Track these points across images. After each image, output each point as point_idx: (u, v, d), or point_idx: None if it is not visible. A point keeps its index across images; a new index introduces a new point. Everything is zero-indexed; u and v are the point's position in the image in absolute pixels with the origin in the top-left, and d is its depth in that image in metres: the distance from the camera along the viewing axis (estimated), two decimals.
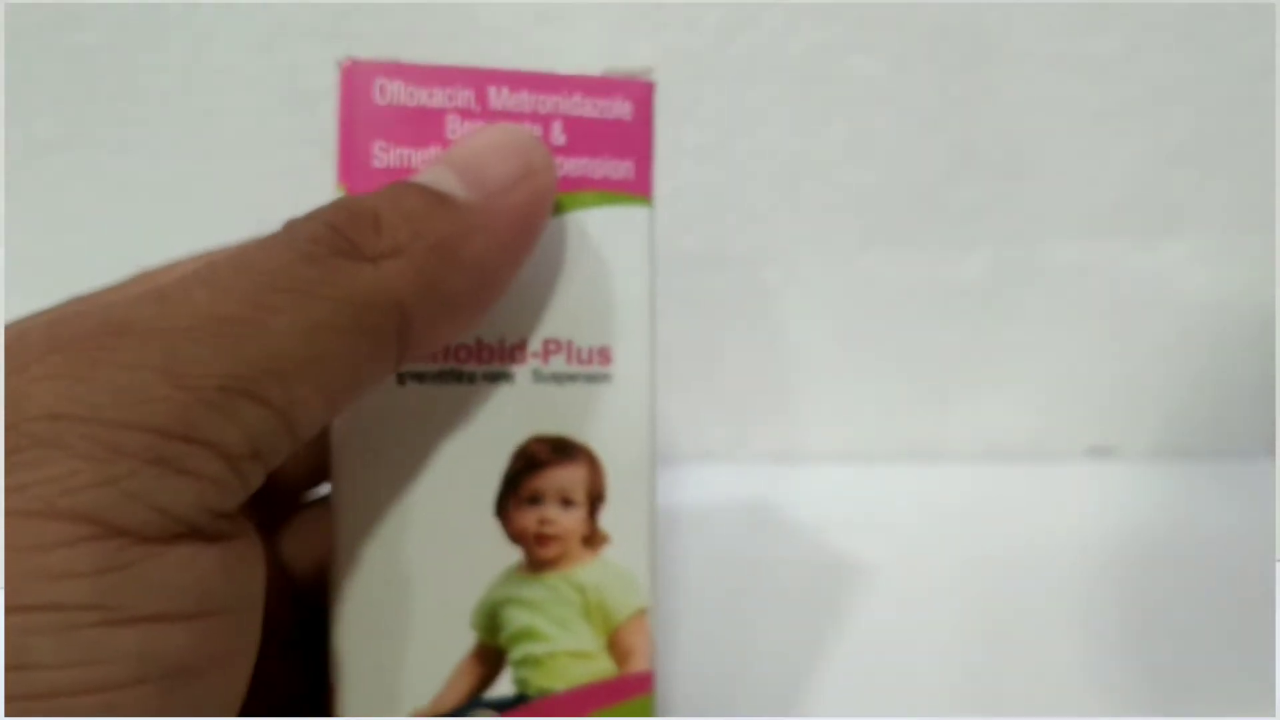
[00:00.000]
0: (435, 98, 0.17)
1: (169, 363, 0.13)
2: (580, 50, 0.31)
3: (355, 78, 0.17)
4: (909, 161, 0.32)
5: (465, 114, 0.17)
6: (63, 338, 0.13)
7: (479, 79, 0.18)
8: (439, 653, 0.17)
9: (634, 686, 0.18)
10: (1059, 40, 0.31)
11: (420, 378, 0.17)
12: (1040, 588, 0.32)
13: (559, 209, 0.18)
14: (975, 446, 0.37)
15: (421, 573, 0.17)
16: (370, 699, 0.17)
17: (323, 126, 0.32)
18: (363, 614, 0.17)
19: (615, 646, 0.18)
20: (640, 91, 0.18)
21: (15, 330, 0.14)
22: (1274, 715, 0.28)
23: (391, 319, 0.14)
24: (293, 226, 0.14)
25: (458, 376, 0.18)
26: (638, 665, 0.18)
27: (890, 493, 0.36)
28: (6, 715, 0.11)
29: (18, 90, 0.31)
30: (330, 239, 0.14)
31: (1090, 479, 0.36)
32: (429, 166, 0.16)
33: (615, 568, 0.18)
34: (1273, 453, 0.35)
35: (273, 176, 0.33)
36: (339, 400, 0.14)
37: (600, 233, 0.18)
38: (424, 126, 0.17)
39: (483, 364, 0.18)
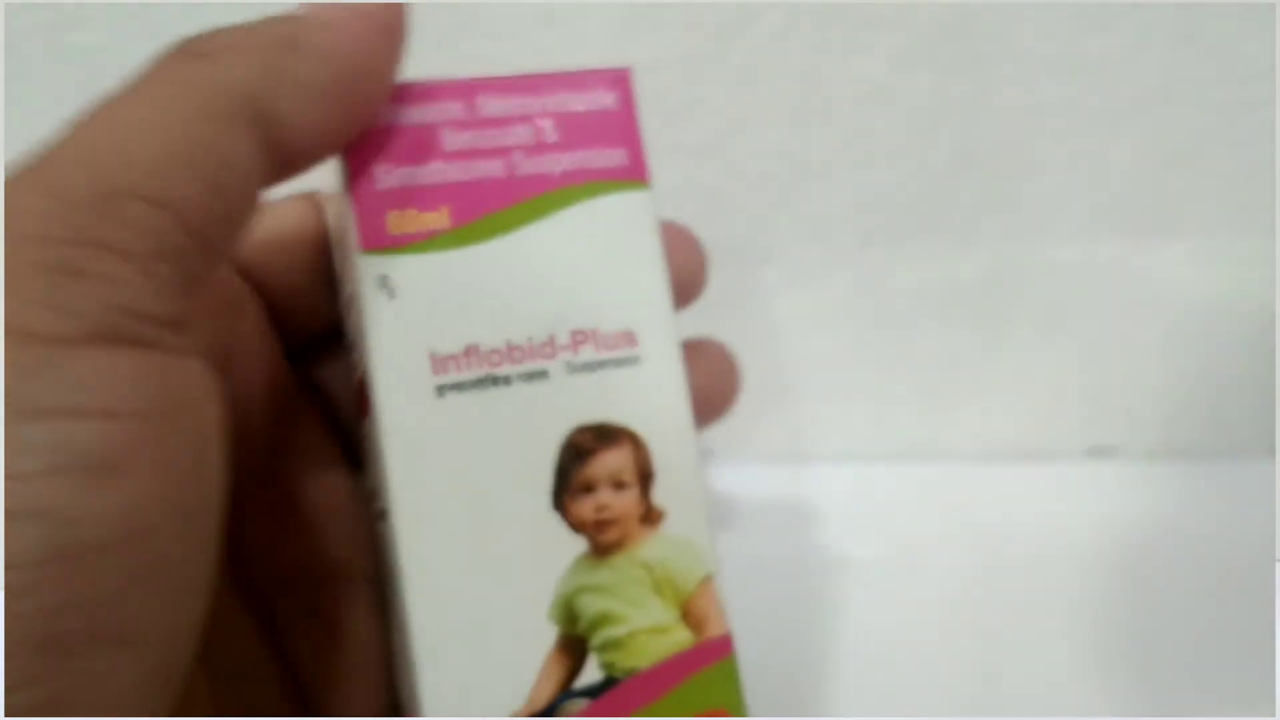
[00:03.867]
0: (427, 114, 0.18)
1: (40, 182, 0.13)
2: (581, 51, 0.31)
3: None
4: (909, 161, 0.32)
5: (458, 125, 0.18)
6: None
7: (465, 90, 0.18)
8: (524, 652, 0.18)
9: (714, 651, 0.19)
10: (1059, 40, 0.31)
11: (459, 387, 0.18)
12: (1040, 588, 0.32)
13: (565, 202, 0.19)
14: (975, 446, 0.37)
15: (493, 577, 0.18)
16: (458, 708, 0.17)
17: None
18: (440, 626, 0.17)
19: (689, 616, 0.19)
20: (619, 79, 0.19)
21: None
22: (1274, 715, 0.28)
23: (239, 105, 0.15)
24: None
25: (494, 381, 0.18)
26: (714, 630, 0.19)
27: (890, 493, 0.36)
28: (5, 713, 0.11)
29: (17, 91, 0.31)
30: (168, 53, 0.15)
31: (1090, 479, 0.36)
32: None
33: (675, 539, 0.19)
34: (1273, 453, 0.35)
35: None
36: (227, 194, 0.15)
37: (606, 220, 0.19)
38: (421, 143, 0.18)
39: (516, 365, 0.18)
